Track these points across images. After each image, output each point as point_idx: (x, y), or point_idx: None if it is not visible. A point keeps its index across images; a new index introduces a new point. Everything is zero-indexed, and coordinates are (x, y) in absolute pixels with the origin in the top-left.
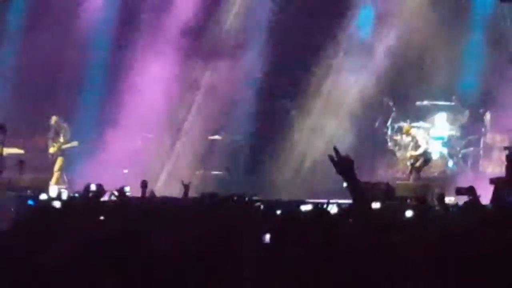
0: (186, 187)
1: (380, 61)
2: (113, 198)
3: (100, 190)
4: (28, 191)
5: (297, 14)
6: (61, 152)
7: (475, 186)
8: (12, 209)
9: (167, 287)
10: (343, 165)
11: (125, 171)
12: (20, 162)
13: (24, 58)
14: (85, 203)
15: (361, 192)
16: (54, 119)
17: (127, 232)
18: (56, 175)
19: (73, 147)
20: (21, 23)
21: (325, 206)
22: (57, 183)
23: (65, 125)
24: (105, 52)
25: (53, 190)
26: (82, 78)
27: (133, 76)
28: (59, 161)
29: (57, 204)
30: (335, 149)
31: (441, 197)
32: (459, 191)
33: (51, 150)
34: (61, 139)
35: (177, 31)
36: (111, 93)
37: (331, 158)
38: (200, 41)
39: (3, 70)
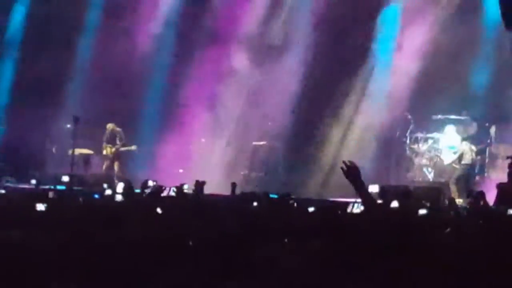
0: (233, 185)
1: (401, 80)
2: (172, 193)
3: (161, 187)
4: (96, 186)
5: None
6: (119, 153)
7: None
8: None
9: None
10: (350, 173)
11: (180, 170)
12: (85, 160)
13: (94, 61)
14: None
15: (366, 193)
16: (110, 126)
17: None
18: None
19: (131, 150)
20: (97, 21)
21: (352, 204)
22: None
23: (120, 130)
24: (165, 66)
25: (119, 186)
26: (144, 88)
27: (187, 88)
28: (117, 163)
29: (119, 197)
30: (344, 162)
31: (452, 200)
32: (470, 194)
33: (107, 151)
34: (118, 142)
35: (230, 39)
36: (169, 102)
37: (342, 169)
38: (249, 51)
39: (76, 70)
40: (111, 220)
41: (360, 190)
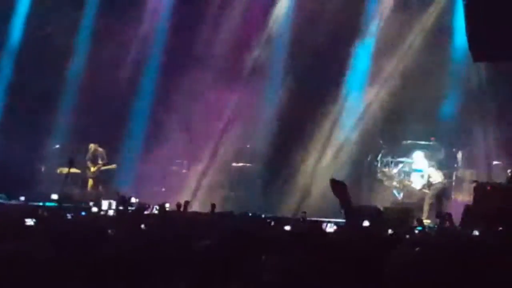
0: (213, 206)
1: (373, 107)
2: (155, 211)
3: (145, 205)
4: (83, 204)
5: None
6: (100, 172)
7: (447, 211)
8: (70, 217)
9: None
10: (338, 187)
11: (163, 189)
12: (83, 180)
13: (81, 84)
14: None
15: (351, 207)
16: (93, 146)
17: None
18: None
19: (112, 168)
20: (87, 46)
21: (325, 223)
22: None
23: (102, 150)
24: (148, 89)
25: (104, 204)
26: (129, 109)
27: (168, 111)
28: (100, 181)
29: (111, 212)
30: (332, 179)
31: (420, 220)
32: (439, 215)
33: (92, 169)
34: (100, 162)
35: (211, 63)
36: (153, 125)
37: (331, 182)
38: (229, 76)
39: (65, 93)
40: (100, 234)
41: (345, 204)
